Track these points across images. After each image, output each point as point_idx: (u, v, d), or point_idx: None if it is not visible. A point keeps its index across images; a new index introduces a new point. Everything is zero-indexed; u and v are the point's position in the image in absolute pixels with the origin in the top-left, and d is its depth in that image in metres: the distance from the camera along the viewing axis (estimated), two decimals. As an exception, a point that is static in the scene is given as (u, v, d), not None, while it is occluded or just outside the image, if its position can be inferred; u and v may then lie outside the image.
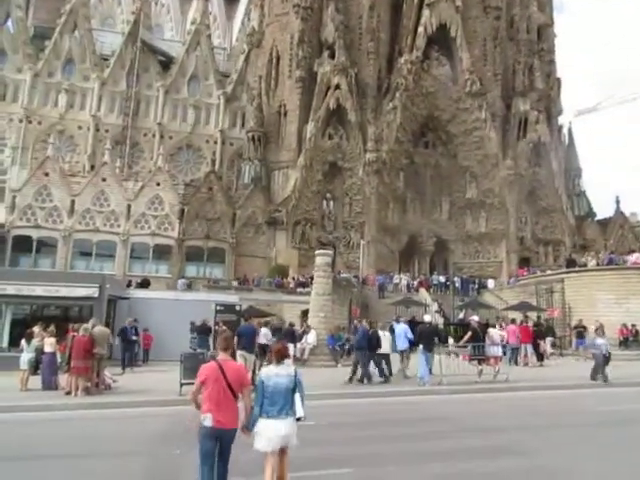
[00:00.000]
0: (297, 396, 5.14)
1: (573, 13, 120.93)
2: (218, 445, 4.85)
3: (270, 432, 4.93)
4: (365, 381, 13.87)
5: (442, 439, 8.01)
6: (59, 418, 10.03)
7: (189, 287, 29.69)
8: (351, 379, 13.99)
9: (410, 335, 15.08)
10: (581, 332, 21.37)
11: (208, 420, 4.81)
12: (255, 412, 5.01)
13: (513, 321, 20.77)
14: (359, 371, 14.15)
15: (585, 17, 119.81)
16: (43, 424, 9.52)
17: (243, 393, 5.04)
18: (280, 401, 5.01)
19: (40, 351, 13.02)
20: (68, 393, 11.79)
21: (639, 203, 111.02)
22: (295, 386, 5.13)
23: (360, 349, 14.26)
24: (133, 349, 17.55)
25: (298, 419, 5.11)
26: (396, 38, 42.15)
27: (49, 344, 12.89)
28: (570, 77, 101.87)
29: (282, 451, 5.09)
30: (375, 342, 14.52)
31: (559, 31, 48.55)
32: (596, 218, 44.28)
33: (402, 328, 15.54)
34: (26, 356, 12.91)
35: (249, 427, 5.02)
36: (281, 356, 5.30)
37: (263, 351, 14.67)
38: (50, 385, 12.52)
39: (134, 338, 17.45)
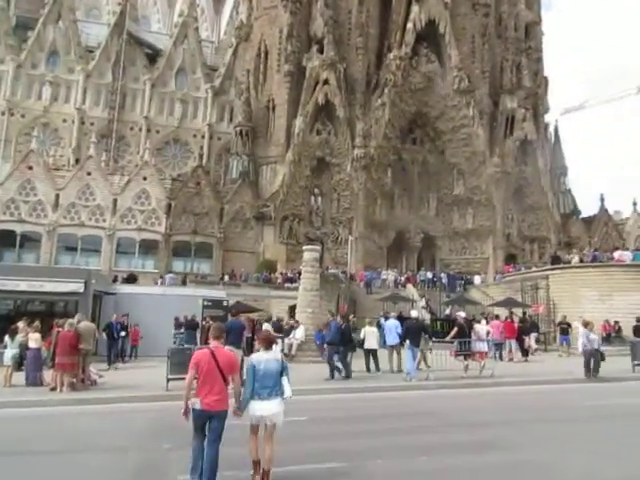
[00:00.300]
0: (285, 378, 5.70)
1: (561, 10, 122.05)
2: (208, 425, 5.29)
3: (263, 411, 5.52)
4: (343, 375, 13.81)
5: (429, 434, 8.06)
6: (45, 414, 9.92)
7: (184, 283, 28.82)
8: (333, 375, 13.83)
9: (400, 330, 15.12)
10: (565, 328, 21.64)
11: (197, 404, 5.26)
12: (247, 395, 5.52)
13: (497, 317, 20.98)
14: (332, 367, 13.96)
15: (573, 14, 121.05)
16: (29, 420, 9.41)
17: (233, 377, 5.48)
18: (270, 383, 5.57)
19: (24, 347, 12.86)
20: (53, 389, 11.67)
21: (623, 201, 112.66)
22: (283, 369, 5.70)
23: (332, 344, 14.13)
24: (118, 345, 17.36)
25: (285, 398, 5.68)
26: (385, 33, 42.12)
27: (34, 340, 12.72)
28: (558, 75, 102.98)
29: (272, 428, 5.61)
30: (348, 337, 14.43)
31: (547, 29, 48.83)
32: (581, 216, 44.81)
33: (392, 323, 15.60)
34: (10, 352, 12.76)
35: (241, 408, 5.53)
36: (269, 343, 5.89)
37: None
38: (35, 381, 12.37)
39: (122, 334, 17.22)
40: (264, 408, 5.50)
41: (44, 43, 42.21)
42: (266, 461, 5.48)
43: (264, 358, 5.68)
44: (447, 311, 27.54)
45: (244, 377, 5.75)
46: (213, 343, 5.55)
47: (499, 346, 19.21)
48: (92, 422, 9.34)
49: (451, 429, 8.39)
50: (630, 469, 6.38)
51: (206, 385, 5.26)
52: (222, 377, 5.31)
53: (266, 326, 16.24)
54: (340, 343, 14.10)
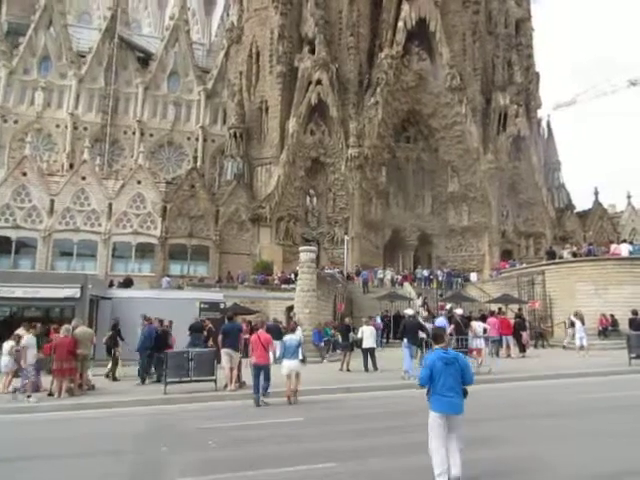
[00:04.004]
0: (300, 348, 11.07)
1: (548, 4, 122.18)
2: (261, 371, 10.72)
3: (289, 365, 10.61)
4: (147, 381, 13.63)
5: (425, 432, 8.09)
6: (43, 419, 9.93)
7: (179, 288, 27.56)
8: (144, 380, 13.58)
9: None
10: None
11: (253, 360, 10.89)
12: (280, 355, 11.24)
13: (492, 313, 21.08)
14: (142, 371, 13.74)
15: (560, 8, 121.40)
16: (27, 426, 9.42)
17: (270, 347, 11.09)
18: (292, 350, 10.72)
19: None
20: (50, 395, 11.67)
21: (617, 195, 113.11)
22: (299, 344, 11.04)
23: (145, 349, 13.70)
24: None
25: (302, 360, 11.33)
26: (376, 33, 42.16)
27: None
28: (549, 70, 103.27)
29: (296, 375, 10.69)
30: (163, 342, 13.89)
31: (535, 23, 48.86)
32: (575, 210, 44.93)
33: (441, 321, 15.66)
34: (6, 358, 12.71)
35: (277, 362, 11.47)
36: (293, 329, 11.68)
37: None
38: (33, 387, 12.33)
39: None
40: (290, 364, 10.60)
41: (36, 49, 42.11)
42: (294, 389, 10.63)
43: (289, 337, 11.03)
44: (448, 306, 27.56)
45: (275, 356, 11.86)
46: (259, 331, 11.31)
47: (495, 343, 19.33)
48: (90, 426, 9.36)
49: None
50: (619, 462, 6.45)
51: (256, 351, 10.82)
52: (263, 347, 10.80)
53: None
54: (155, 349, 13.65)
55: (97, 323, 18.32)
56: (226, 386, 12.17)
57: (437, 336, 5.96)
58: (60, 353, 11.61)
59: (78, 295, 16.84)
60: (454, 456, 5.50)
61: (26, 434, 8.80)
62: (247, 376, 12.61)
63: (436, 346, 5.81)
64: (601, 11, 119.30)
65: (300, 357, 10.84)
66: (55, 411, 10.59)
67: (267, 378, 10.76)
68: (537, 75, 46.21)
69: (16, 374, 12.90)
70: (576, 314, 18.94)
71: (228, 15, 50.82)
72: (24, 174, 33.78)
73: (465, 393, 5.57)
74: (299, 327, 18.81)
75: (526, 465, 6.34)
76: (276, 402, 11.33)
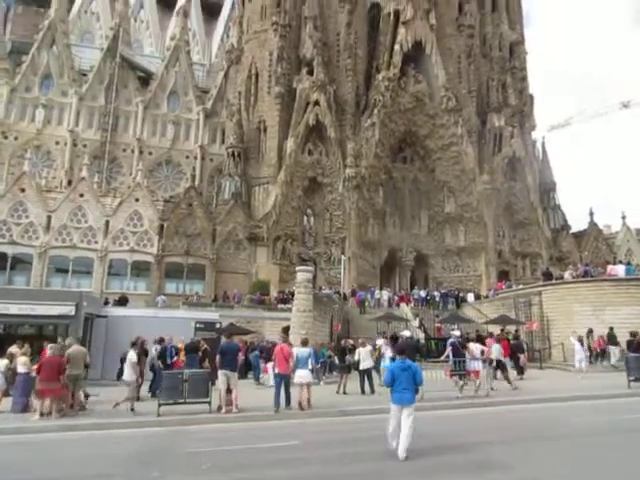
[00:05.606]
0: (310, 359, 12.61)
1: (544, 25, 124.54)
2: (283, 381, 11.96)
3: (301, 374, 12.14)
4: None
5: (423, 457, 7.97)
6: (31, 441, 9.73)
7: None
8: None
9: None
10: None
11: (277, 370, 12.19)
12: (293, 367, 12.11)
13: (491, 335, 20.94)
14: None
15: (552, 30, 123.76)
16: (17, 447, 9.22)
17: (290, 359, 12.04)
18: (303, 361, 12.26)
19: (13, 371, 12.63)
20: (41, 415, 11.44)
21: (613, 215, 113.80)
22: (309, 355, 12.58)
23: None
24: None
25: (311, 370, 12.76)
26: (373, 55, 42.87)
27: (22, 364, 12.52)
28: (543, 91, 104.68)
29: (307, 385, 12.12)
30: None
31: (530, 46, 49.80)
32: (571, 231, 45.10)
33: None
34: (-2, 377, 12.53)
35: (292, 372, 12.09)
36: (304, 343, 13.04)
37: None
38: (23, 407, 12.13)
39: (175, 359, 15.12)
40: (301, 373, 12.10)
41: (38, 67, 42.54)
42: (306, 400, 11.93)
43: (301, 350, 12.47)
44: (454, 328, 27.25)
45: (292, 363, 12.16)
46: (282, 344, 12.48)
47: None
48: (80, 448, 9.18)
49: (446, 450, 8.30)
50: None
51: (278, 362, 12.04)
52: (284, 359, 11.91)
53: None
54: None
55: (91, 341, 18.17)
56: (220, 408, 11.95)
57: (401, 351, 8.28)
58: (46, 373, 11.28)
59: (73, 313, 16.75)
60: (405, 438, 7.37)
61: (15, 456, 8.61)
62: (241, 398, 12.46)
63: (398, 357, 8.07)
64: (595, 35, 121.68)
65: (310, 367, 12.55)
66: (45, 432, 10.39)
67: (287, 386, 11.91)
68: (531, 97, 46.90)
69: (6, 393, 12.71)
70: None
71: (228, 37, 51.61)
72: (22, 190, 33.76)
73: (417, 391, 7.87)
74: (294, 347, 18.81)
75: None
76: (273, 425, 11.18)
